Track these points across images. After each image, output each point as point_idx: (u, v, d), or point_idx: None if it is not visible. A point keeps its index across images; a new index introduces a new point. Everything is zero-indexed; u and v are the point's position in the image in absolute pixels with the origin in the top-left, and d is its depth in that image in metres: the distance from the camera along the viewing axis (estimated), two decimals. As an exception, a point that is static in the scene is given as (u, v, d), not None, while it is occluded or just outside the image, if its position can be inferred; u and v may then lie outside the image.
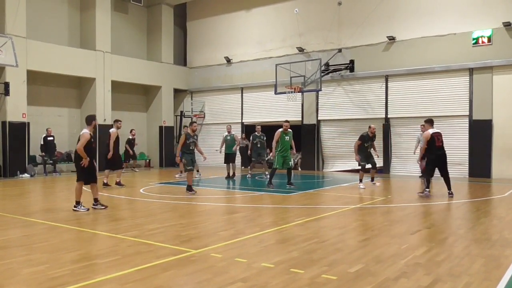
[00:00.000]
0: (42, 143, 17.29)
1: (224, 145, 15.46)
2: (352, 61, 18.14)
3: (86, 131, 8.60)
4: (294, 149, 13.06)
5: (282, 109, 19.93)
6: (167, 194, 11.24)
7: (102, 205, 8.85)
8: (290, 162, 12.55)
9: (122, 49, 21.13)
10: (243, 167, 20.27)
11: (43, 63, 17.36)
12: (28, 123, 16.98)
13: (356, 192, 11.63)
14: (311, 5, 19.30)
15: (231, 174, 15.31)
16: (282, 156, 12.09)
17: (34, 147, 17.50)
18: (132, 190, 12.02)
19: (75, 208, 8.53)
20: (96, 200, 8.86)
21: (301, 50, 19.33)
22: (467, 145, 15.77)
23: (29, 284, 4.29)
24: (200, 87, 23.07)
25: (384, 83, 17.52)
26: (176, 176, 15.80)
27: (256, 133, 15.45)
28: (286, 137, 12.19)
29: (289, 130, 12.30)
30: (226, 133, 15.53)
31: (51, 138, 17.37)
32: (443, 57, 16.18)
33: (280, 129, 12.19)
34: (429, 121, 10.82)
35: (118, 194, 11.36)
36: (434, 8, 16.45)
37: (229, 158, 15.30)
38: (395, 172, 17.28)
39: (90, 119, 8.83)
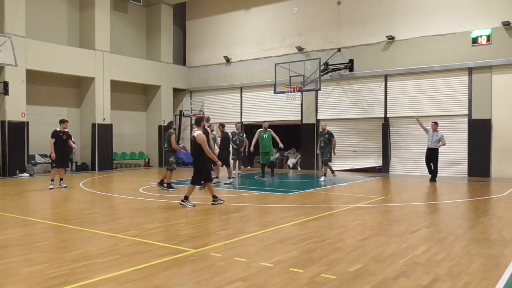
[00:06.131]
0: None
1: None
2: (351, 61, 18.15)
3: (200, 133, 9.02)
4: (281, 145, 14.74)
5: (281, 108, 19.94)
6: (166, 193, 11.23)
7: (220, 200, 9.27)
8: (272, 157, 14.61)
9: (121, 48, 21.13)
10: (242, 167, 20.24)
11: (42, 63, 17.36)
12: (27, 122, 16.98)
13: (355, 191, 11.64)
14: (310, 5, 19.29)
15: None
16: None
17: (33, 147, 17.49)
18: (131, 190, 12.02)
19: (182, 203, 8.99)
20: (215, 197, 9.24)
21: (300, 49, 19.33)
22: (466, 144, 15.78)
23: (28, 283, 4.29)
24: (199, 87, 23.07)
25: (383, 83, 17.53)
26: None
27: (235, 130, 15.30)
28: (264, 135, 14.29)
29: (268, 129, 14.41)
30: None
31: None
32: (442, 57, 16.19)
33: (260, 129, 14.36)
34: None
35: (118, 194, 11.36)
36: (433, 7, 16.46)
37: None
38: (394, 171, 17.30)
39: (199, 121, 9.31)
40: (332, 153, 14.57)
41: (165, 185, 11.89)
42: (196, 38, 23.33)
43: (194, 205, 8.96)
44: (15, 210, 8.66)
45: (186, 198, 8.98)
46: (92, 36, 19.35)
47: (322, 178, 14.38)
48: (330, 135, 14.49)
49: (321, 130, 14.82)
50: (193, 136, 9.11)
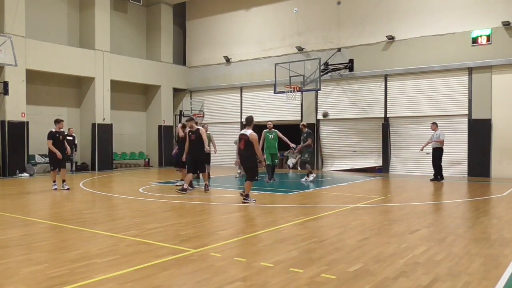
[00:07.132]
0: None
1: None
2: (351, 61, 18.15)
3: (252, 132, 9.23)
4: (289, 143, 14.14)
5: (281, 108, 19.95)
6: (166, 193, 11.23)
7: (252, 199, 9.42)
8: (277, 160, 14.25)
9: (121, 48, 21.13)
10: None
11: (42, 63, 17.36)
12: (27, 122, 16.98)
13: (355, 191, 11.64)
14: (310, 5, 19.30)
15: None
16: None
17: (33, 147, 17.49)
18: (131, 190, 12.01)
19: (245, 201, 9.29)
20: (246, 195, 9.41)
21: (300, 49, 19.33)
22: (466, 144, 15.78)
23: (28, 283, 4.29)
24: (199, 87, 23.07)
25: (383, 83, 17.53)
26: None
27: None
28: (270, 136, 13.79)
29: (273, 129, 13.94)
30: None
31: (71, 138, 16.65)
32: (442, 57, 16.19)
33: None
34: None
35: (118, 194, 11.36)
36: (433, 7, 16.47)
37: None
38: (394, 171, 17.30)
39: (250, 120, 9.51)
40: (305, 152, 13.86)
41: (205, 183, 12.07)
42: (196, 38, 23.33)
43: (255, 201, 9.36)
44: (15, 210, 8.65)
45: (247, 195, 9.28)
46: (92, 36, 19.35)
47: (304, 179, 13.97)
48: (308, 134, 13.94)
49: (301, 128, 14.34)
50: (244, 134, 9.27)
